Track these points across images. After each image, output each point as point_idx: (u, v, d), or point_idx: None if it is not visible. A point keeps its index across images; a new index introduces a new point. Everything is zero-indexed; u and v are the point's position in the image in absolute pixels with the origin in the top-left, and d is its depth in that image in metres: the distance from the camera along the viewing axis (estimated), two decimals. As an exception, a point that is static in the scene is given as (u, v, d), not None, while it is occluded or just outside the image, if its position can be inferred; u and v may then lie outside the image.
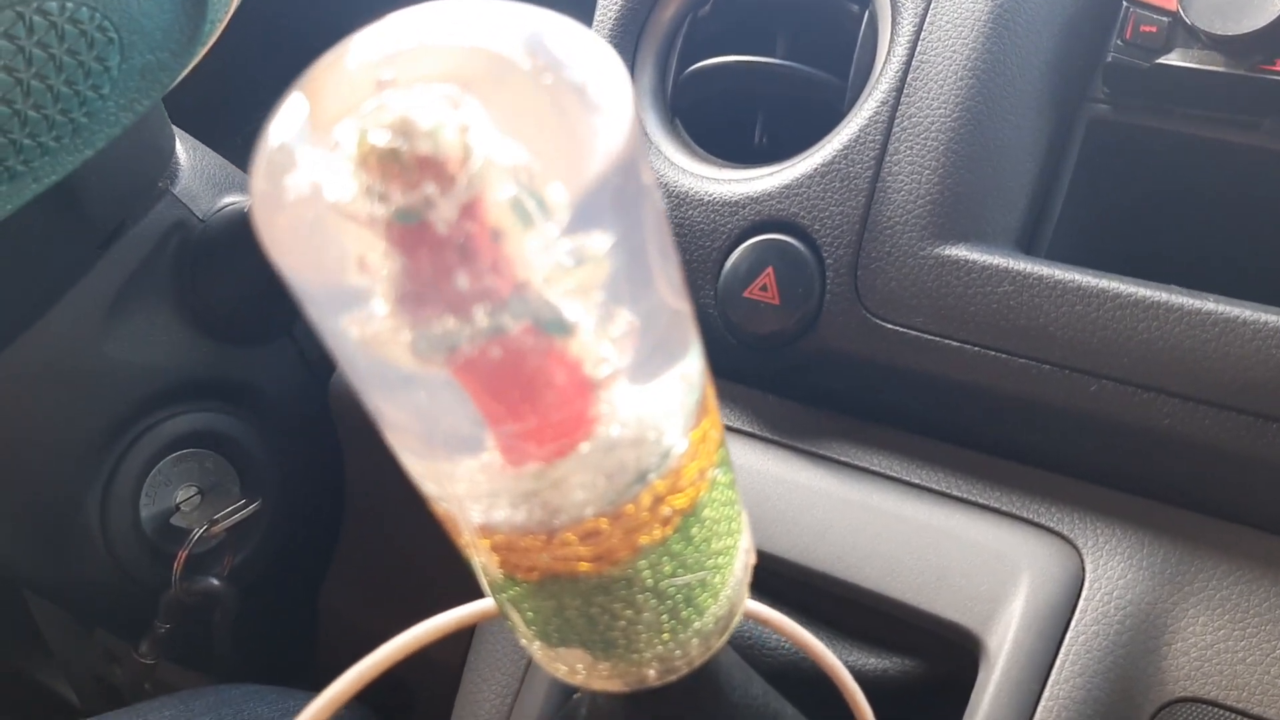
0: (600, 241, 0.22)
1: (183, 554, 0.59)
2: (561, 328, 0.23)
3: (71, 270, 0.55)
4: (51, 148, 0.38)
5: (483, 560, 0.28)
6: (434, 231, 0.21)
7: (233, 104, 0.79)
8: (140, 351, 0.57)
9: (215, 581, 0.60)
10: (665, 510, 0.27)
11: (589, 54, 0.22)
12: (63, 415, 0.57)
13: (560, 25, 0.22)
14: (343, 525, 0.68)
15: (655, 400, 0.25)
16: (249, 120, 0.87)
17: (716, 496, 0.29)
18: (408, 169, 0.21)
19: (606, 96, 0.22)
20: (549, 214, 0.21)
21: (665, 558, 0.28)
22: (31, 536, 0.59)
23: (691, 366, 0.26)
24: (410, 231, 0.21)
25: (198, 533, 0.59)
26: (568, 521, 0.26)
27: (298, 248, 0.22)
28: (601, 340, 0.23)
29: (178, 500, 0.60)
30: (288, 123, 0.23)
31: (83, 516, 0.58)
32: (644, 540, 0.27)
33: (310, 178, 0.22)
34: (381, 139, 0.21)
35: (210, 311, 0.58)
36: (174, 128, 0.59)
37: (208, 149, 0.61)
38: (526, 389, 0.23)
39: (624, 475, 0.26)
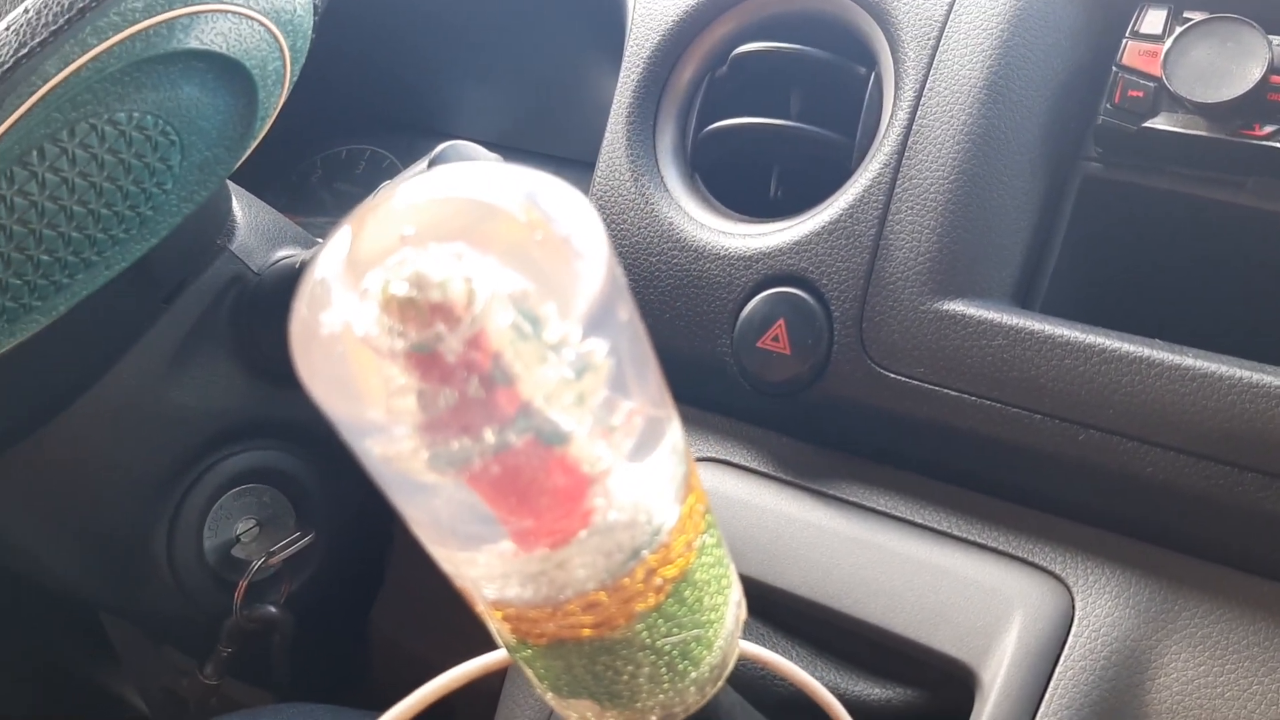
0: (589, 360, 0.26)
1: (243, 583, 0.64)
2: (560, 438, 0.26)
3: (139, 323, 0.59)
4: (122, 239, 0.42)
5: (496, 627, 0.32)
6: (444, 360, 0.25)
7: (284, 142, 0.84)
8: (202, 396, 0.62)
9: (273, 609, 0.65)
10: (658, 580, 0.31)
11: (573, 210, 0.26)
12: (133, 455, 0.62)
13: (550, 186, 0.26)
14: (391, 553, 0.73)
15: (643, 488, 0.29)
16: (301, 158, 0.92)
17: (705, 560, 0.33)
18: (422, 313, 0.25)
19: (587, 244, 0.26)
20: (544, 340, 0.25)
21: (661, 620, 0.31)
22: (105, 566, 0.64)
23: (670, 459, 0.30)
24: (424, 360, 0.25)
25: (257, 563, 0.64)
26: (571, 595, 0.29)
27: (328, 378, 0.26)
28: (594, 444, 0.27)
29: (238, 532, 0.65)
30: (332, 258, 0.27)
31: (151, 548, 0.63)
32: (640, 607, 0.31)
33: (342, 316, 0.26)
34: (401, 289, 0.25)
35: (265, 358, 0.63)
36: (230, 184, 0.63)
37: (262, 204, 0.66)
38: (532, 491, 0.27)
39: (620, 554, 0.29)
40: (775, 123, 0.57)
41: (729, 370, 0.56)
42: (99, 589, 0.66)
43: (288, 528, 0.67)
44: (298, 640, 0.66)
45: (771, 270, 0.55)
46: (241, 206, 0.63)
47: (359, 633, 0.74)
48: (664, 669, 0.33)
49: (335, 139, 0.89)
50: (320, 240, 0.67)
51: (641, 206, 0.59)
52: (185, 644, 0.72)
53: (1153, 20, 0.50)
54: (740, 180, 0.60)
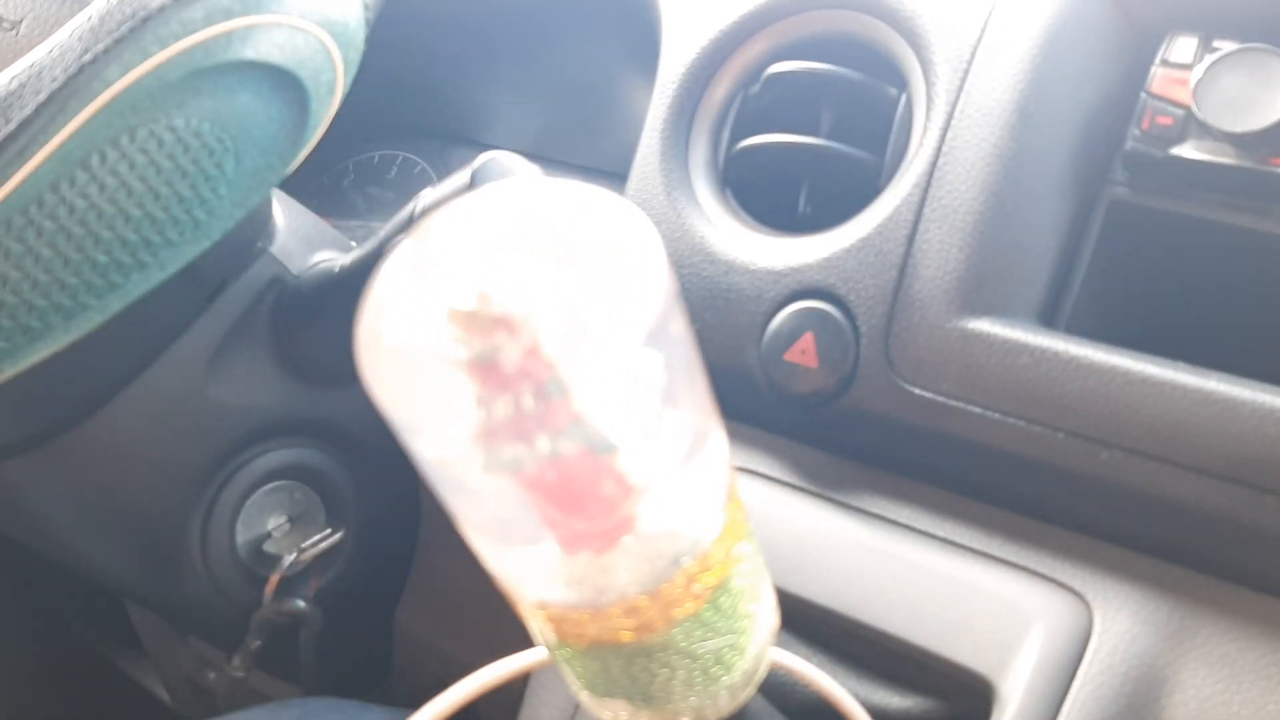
0: (642, 374, 0.27)
1: (275, 578, 0.65)
2: (610, 448, 0.27)
3: (181, 322, 0.61)
4: (176, 242, 0.44)
5: (538, 627, 0.33)
6: (504, 370, 0.26)
7: (317, 145, 0.85)
8: (239, 394, 0.63)
9: (302, 603, 0.66)
10: (697, 587, 0.32)
11: (632, 226, 0.27)
12: (170, 450, 0.63)
13: (609, 201, 0.27)
14: (417, 551, 0.74)
15: (687, 498, 0.30)
16: (334, 161, 0.93)
17: (743, 568, 0.34)
18: (483, 323, 0.26)
19: (645, 260, 0.27)
20: (600, 352, 0.26)
21: (698, 626, 0.33)
22: (140, 556, 0.66)
23: (714, 470, 0.31)
24: (484, 368, 0.26)
25: (289, 559, 0.65)
26: (613, 599, 0.31)
27: (392, 382, 0.27)
28: (643, 454, 0.28)
29: (270, 528, 0.67)
30: (396, 271, 0.28)
31: (186, 540, 0.64)
32: (679, 613, 0.32)
33: (406, 325, 0.27)
34: (464, 300, 0.26)
35: (302, 358, 0.64)
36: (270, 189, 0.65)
37: (301, 208, 0.67)
38: (581, 498, 0.28)
39: (662, 561, 0.30)
40: (806, 141, 0.58)
41: (756, 381, 0.57)
42: (133, 578, 0.67)
43: (318, 524, 0.68)
44: (324, 635, 0.68)
45: (800, 284, 0.56)
46: (282, 210, 0.65)
47: (384, 629, 0.76)
48: (698, 673, 0.34)
49: (368, 144, 0.91)
50: (355, 244, 0.69)
51: (673, 220, 0.60)
52: (213, 636, 0.73)
53: (1182, 48, 0.51)
54: (770, 195, 0.61)
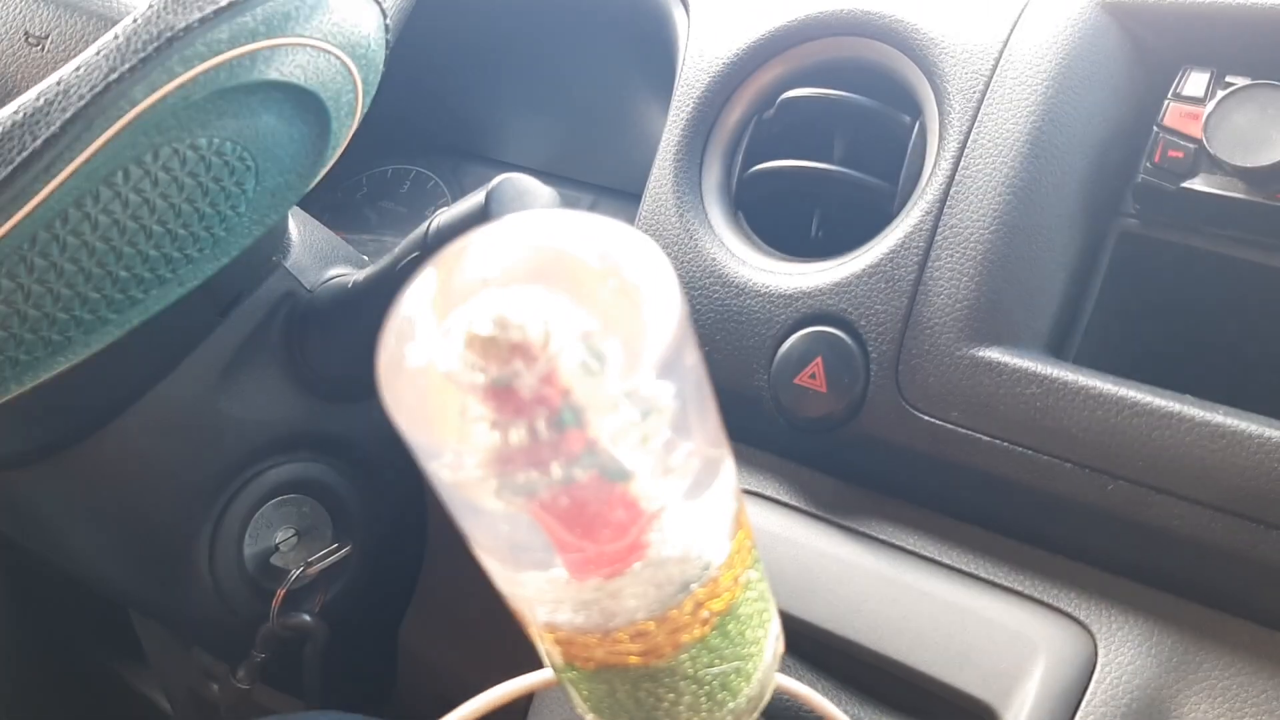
0: (655, 403, 0.27)
1: (281, 592, 0.65)
2: (622, 475, 0.28)
3: (194, 334, 0.61)
4: (195, 258, 0.44)
5: (547, 648, 0.33)
6: (520, 396, 0.26)
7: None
8: (251, 407, 0.64)
9: (307, 617, 0.66)
10: (705, 613, 0.32)
11: (647, 259, 0.27)
12: (181, 461, 0.63)
13: (626, 235, 0.28)
14: (423, 568, 0.74)
15: (696, 524, 0.31)
16: (347, 174, 0.94)
17: (750, 595, 0.34)
18: (502, 350, 0.26)
19: (659, 292, 0.27)
20: (614, 381, 0.27)
21: (704, 651, 0.33)
22: (148, 567, 0.66)
23: (723, 497, 0.31)
24: (501, 394, 0.27)
25: (295, 572, 0.66)
26: (621, 624, 0.31)
27: (410, 406, 0.27)
28: (654, 481, 0.29)
29: (277, 541, 0.67)
30: (418, 297, 0.28)
31: (194, 552, 0.65)
32: (686, 638, 0.32)
33: (427, 351, 0.27)
34: (483, 328, 0.26)
35: (313, 373, 0.65)
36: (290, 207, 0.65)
37: (316, 223, 0.68)
38: (592, 524, 0.28)
39: (671, 586, 0.31)
40: (819, 166, 0.58)
41: (765, 405, 0.57)
42: (140, 589, 0.67)
43: (324, 538, 0.68)
44: (329, 649, 0.68)
45: (811, 309, 0.56)
46: (297, 224, 0.65)
47: (388, 645, 0.76)
48: (703, 698, 0.34)
49: (381, 158, 0.92)
50: (368, 258, 0.69)
51: (685, 242, 0.60)
52: (218, 647, 0.74)
53: (1195, 83, 0.51)
54: (782, 219, 0.61)
